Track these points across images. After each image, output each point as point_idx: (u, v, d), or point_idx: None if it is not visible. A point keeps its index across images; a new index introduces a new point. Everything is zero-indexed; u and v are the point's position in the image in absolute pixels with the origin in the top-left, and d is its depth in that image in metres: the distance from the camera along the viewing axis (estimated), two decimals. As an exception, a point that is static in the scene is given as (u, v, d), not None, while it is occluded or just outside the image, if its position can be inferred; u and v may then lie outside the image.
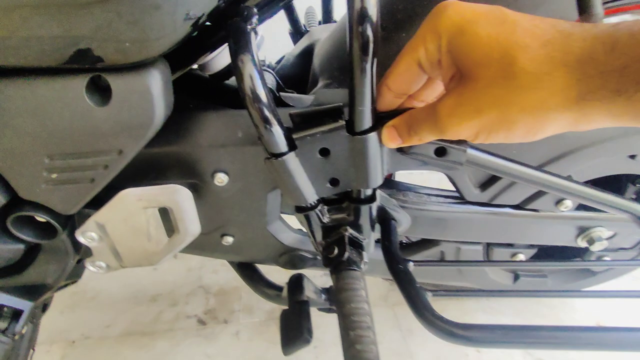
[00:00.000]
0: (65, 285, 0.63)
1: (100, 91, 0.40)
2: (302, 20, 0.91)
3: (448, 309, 1.02)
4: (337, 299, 0.44)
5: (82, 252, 0.58)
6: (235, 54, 0.39)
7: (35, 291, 0.58)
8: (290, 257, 0.67)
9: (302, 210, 0.49)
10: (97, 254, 0.54)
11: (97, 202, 0.50)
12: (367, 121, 0.39)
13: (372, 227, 0.52)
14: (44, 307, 0.70)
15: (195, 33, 0.41)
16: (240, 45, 0.39)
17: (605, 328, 0.40)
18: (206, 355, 0.90)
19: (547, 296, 0.63)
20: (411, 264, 0.46)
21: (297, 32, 0.87)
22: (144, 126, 0.42)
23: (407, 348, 0.93)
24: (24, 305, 0.57)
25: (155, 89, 0.40)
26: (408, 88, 0.37)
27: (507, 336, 0.40)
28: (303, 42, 0.73)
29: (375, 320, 1.03)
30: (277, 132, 0.41)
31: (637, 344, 0.38)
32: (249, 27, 0.40)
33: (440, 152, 0.42)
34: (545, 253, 0.80)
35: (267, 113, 0.40)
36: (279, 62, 0.74)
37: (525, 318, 1.00)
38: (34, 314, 0.68)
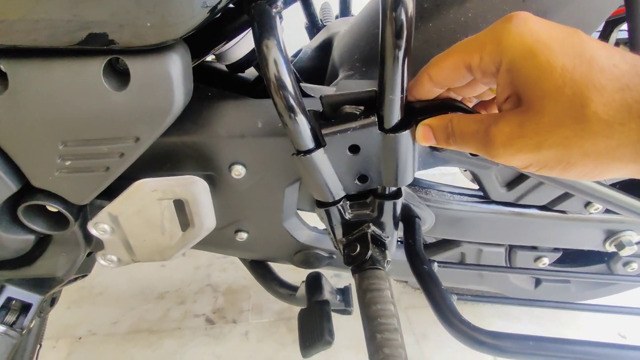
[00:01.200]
0: (75, 279, 0.62)
1: (118, 75, 0.39)
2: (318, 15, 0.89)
3: (463, 313, 1.00)
4: (362, 300, 0.42)
5: (93, 245, 0.56)
6: (259, 38, 0.37)
7: (44, 284, 0.56)
8: (305, 256, 0.64)
9: (323, 205, 0.47)
10: (108, 247, 0.53)
11: (110, 193, 0.48)
12: (396, 112, 0.37)
13: (396, 225, 0.49)
14: (52, 302, 0.68)
15: (217, 16, 0.39)
16: (265, 29, 0.37)
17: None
18: (214, 355, 0.88)
19: (574, 309, 0.60)
20: (436, 264, 0.44)
21: (314, 26, 0.85)
22: (162, 112, 0.40)
23: (422, 353, 0.90)
24: (33, 298, 0.55)
25: (175, 74, 0.39)
26: (450, 83, 0.35)
27: (541, 349, 0.38)
28: (321, 35, 0.71)
29: (388, 324, 1.00)
30: (303, 123, 0.39)
31: None
32: (274, 10, 0.38)
33: None
34: (569, 257, 0.77)
35: (292, 102, 0.38)
36: (295, 55, 0.72)
37: (542, 325, 0.97)
38: (43, 308, 0.67)
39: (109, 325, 0.94)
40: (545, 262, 0.68)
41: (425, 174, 0.76)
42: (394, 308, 0.41)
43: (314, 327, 0.46)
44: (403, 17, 0.32)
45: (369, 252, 0.46)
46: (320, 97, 0.40)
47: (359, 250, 0.47)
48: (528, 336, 0.38)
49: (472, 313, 1.00)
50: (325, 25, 0.85)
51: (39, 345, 0.68)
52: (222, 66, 0.60)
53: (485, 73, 0.31)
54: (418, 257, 0.45)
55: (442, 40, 0.48)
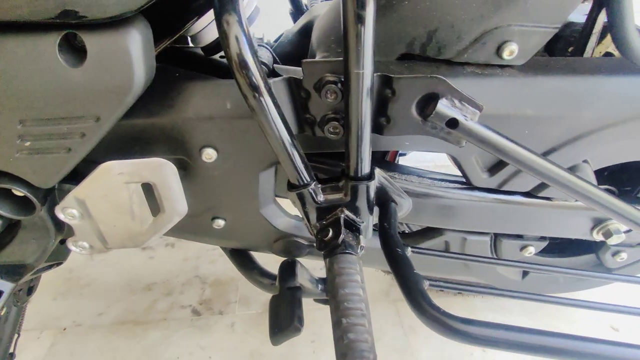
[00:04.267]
0: (50, 267, 0.61)
1: (75, 51, 0.37)
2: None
3: (454, 306, 0.98)
4: (330, 285, 0.41)
5: (65, 232, 0.55)
6: (219, 14, 0.36)
7: (15, 272, 0.55)
8: (285, 244, 0.63)
9: (294, 187, 0.45)
10: (79, 233, 0.51)
11: (78, 177, 0.47)
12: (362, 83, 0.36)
13: (370, 210, 0.48)
14: (30, 290, 0.67)
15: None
16: (225, 4, 0.36)
17: (622, 343, 0.36)
18: (200, 346, 0.87)
19: (555, 303, 0.58)
20: (409, 249, 0.42)
21: (298, 11, 0.84)
22: (122, 90, 0.38)
23: (409, 345, 0.89)
24: (4, 286, 0.54)
25: (134, 50, 0.37)
26: None
27: (510, 337, 0.36)
28: (303, 19, 0.69)
29: (376, 316, 1.00)
30: (269, 103, 0.38)
31: None
32: (236, -16, 0.37)
33: (452, 123, 0.39)
34: (557, 247, 0.76)
35: (256, 81, 0.37)
36: (277, 40, 0.70)
37: (534, 318, 0.96)
38: (18, 296, 0.66)
39: (95, 316, 0.93)
40: (531, 251, 0.67)
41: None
42: (363, 293, 0.39)
43: (283, 313, 0.45)
44: None
45: (341, 237, 0.44)
46: (302, 62, 0.39)
47: (331, 235, 0.45)
48: (498, 324, 0.37)
49: (464, 306, 0.98)
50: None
51: (16, 335, 0.67)
52: (198, 50, 0.59)
53: None
54: (392, 240, 0.44)
55: (417, 18, 0.46)
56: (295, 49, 0.66)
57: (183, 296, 0.99)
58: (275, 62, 0.63)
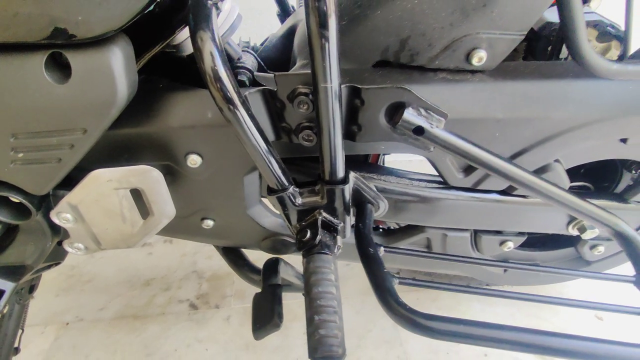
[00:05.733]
0: (49, 267, 0.64)
1: (60, 68, 0.40)
2: (292, 1, 0.88)
3: (441, 297, 1.01)
4: (306, 284, 0.43)
5: (62, 234, 0.58)
6: (194, 30, 0.38)
7: (16, 272, 0.58)
8: (272, 242, 0.66)
9: (273, 192, 0.48)
10: (74, 236, 0.54)
11: (73, 183, 0.50)
12: (330, 95, 0.38)
13: (347, 211, 0.50)
14: (32, 289, 0.71)
15: (152, 7, 0.40)
16: (199, 20, 0.38)
17: (583, 337, 0.38)
18: (196, 339, 0.91)
19: (527, 299, 0.61)
20: (382, 248, 0.45)
21: (285, 13, 0.85)
22: (106, 104, 0.41)
23: (398, 336, 0.92)
24: (6, 285, 0.58)
25: (116, 66, 0.40)
26: None
27: (472, 332, 0.39)
28: (288, 23, 0.71)
29: (367, 309, 1.03)
30: (243, 114, 0.40)
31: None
32: (209, 1, 0.39)
33: (419, 131, 0.41)
34: (538, 241, 0.78)
35: (229, 94, 0.39)
36: (263, 43, 0.72)
37: (520, 308, 0.98)
38: (20, 294, 0.69)
39: (96, 311, 0.97)
40: (510, 245, 0.69)
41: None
42: (337, 291, 0.42)
43: (264, 310, 0.48)
44: (325, 7, 0.33)
45: (318, 237, 0.47)
46: (275, 75, 0.41)
47: (309, 236, 0.48)
48: (461, 320, 0.39)
49: (451, 295, 1.01)
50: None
51: (20, 330, 0.71)
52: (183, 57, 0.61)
53: None
54: (365, 240, 0.46)
55: (390, 27, 0.48)
56: (280, 54, 0.68)
57: (181, 291, 1.03)
58: (260, 67, 0.65)
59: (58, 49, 0.38)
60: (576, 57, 0.44)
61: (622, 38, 0.62)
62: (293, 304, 0.96)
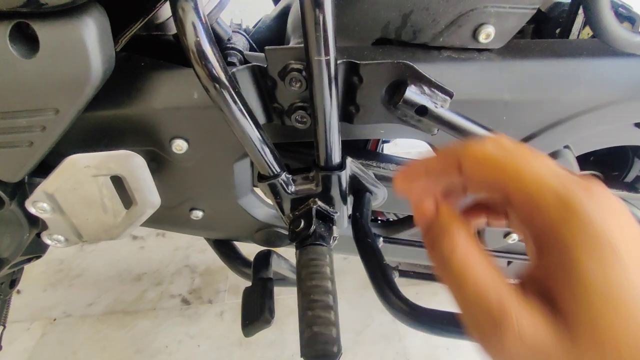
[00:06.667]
0: (29, 260, 0.60)
1: (27, 41, 0.36)
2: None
3: (442, 291, 0.98)
4: (299, 277, 0.40)
5: (41, 226, 0.54)
6: (174, 1, 0.34)
7: (-8, 266, 0.55)
8: (266, 234, 0.63)
9: (264, 179, 0.44)
10: (52, 227, 0.51)
11: (49, 170, 0.46)
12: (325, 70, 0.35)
13: (344, 200, 0.47)
14: (12, 283, 0.68)
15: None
16: None
17: None
18: (188, 335, 0.88)
19: None
20: (381, 239, 0.42)
21: (280, -5, 0.81)
22: (79, 82, 0.37)
23: (397, 331, 0.89)
24: (-19, 279, 0.54)
25: (89, 39, 0.36)
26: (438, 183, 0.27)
27: None
28: (281, 4, 0.67)
29: (364, 303, 1.00)
30: (230, 93, 0.36)
31: None
32: (191, -33, 0.35)
33: (422, 111, 0.38)
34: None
35: (215, 72, 0.36)
36: (256, 25, 0.68)
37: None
38: (1, 289, 0.66)
39: (85, 306, 0.94)
40: (514, 238, 0.66)
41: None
42: (331, 285, 0.39)
43: (254, 305, 0.45)
44: None
45: (312, 228, 0.43)
46: (265, 49, 0.38)
47: (302, 226, 0.45)
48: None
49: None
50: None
51: (2, 327, 0.68)
52: (171, 37, 0.57)
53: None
54: (363, 230, 0.43)
55: (391, 0, 0.44)
56: (273, 35, 0.64)
57: (173, 286, 1.00)
58: (252, 48, 0.61)
59: (24, 19, 0.34)
60: (597, 29, 0.40)
61: (634, 20, 0.59)
62: (289, 299, 0.93)
